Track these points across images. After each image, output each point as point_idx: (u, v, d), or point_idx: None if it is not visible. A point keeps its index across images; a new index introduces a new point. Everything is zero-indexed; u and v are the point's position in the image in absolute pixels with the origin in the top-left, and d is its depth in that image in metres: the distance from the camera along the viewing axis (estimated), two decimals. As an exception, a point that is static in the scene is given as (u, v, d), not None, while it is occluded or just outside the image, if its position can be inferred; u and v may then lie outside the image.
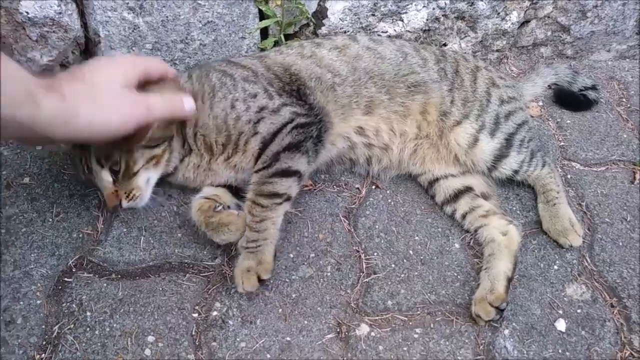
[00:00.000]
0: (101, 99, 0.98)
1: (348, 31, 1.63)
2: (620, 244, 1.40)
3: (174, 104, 1.12)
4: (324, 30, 1.61)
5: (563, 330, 1.21)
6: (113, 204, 1.20)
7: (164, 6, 1.43)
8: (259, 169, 1.24)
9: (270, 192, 1.21)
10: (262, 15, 1.54)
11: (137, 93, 1.05)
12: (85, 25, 1.46)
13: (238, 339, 1.13)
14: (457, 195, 1.41)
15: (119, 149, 1.16)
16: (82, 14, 1.43)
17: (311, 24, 1.60)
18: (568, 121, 1.74)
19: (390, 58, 1.42)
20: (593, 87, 1.76)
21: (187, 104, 1.14)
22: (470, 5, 1.67)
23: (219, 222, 1.21)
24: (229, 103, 1.26)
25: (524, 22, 1.85)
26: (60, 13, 1.36)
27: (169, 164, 1.28)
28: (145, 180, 1.23)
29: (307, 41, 1.46)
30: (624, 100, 1.85)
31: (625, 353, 1.18)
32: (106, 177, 1.19)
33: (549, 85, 1.80)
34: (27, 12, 1.32)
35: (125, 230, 1.30)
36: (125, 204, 1.20)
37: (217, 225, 1.21)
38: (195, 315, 1.16)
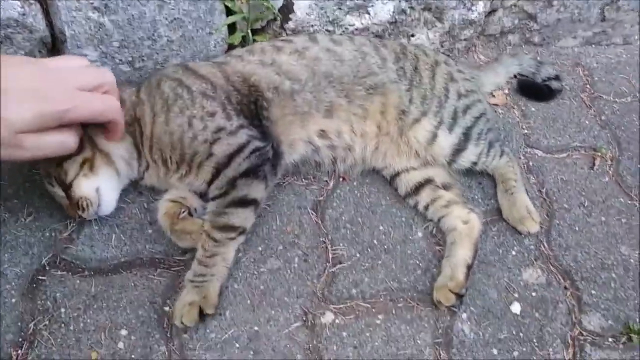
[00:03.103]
0: None
1: (315, 25, 1.65)
2: (577, 228, 1.46)
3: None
4: (291, 24, 1.62)
5: (518, 312, 1.28)
6: (74, 215, 1.26)
7: (129, 5, 1.43)
8: (215, 196, 1.23)
9: (226, 224, 1.20)
10: (229, 12, 1.55)
11: None
12: (51, 24, 1.46)
13: (208, 330, 1.18)
14: (418, 188, 1.44)
15: (51, 165, 1.21)
16: (47, 14, 1.43)
17: (278, 19, 1.61)
18: (532, 109, 1.79)
19: (349, 59, 1.42)
20: (556, 78, 1.80)
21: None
22: (436, -3, 1.69)
23: (182, 229, 1.26)
24: (186, 120, 1.25)
25: (491, 11, 1.88)
26: (24, 14, 1.36)
27: (119, 170, 1.29)
28: (94, 188, 1.24)
29: (270, 44, 1.44)
30: (587, 86, 1.90)
31: (575, 332, 1.25)
32: (59, 192, 1.24)
33: (514, 75, 1.84)
34: (-10, 14, 1.33)
35: (96, 228, 1.33)
36: (83, 214, 1.24)
37: (180, 232, 1.26)
38: (167, 308, 1.21)
